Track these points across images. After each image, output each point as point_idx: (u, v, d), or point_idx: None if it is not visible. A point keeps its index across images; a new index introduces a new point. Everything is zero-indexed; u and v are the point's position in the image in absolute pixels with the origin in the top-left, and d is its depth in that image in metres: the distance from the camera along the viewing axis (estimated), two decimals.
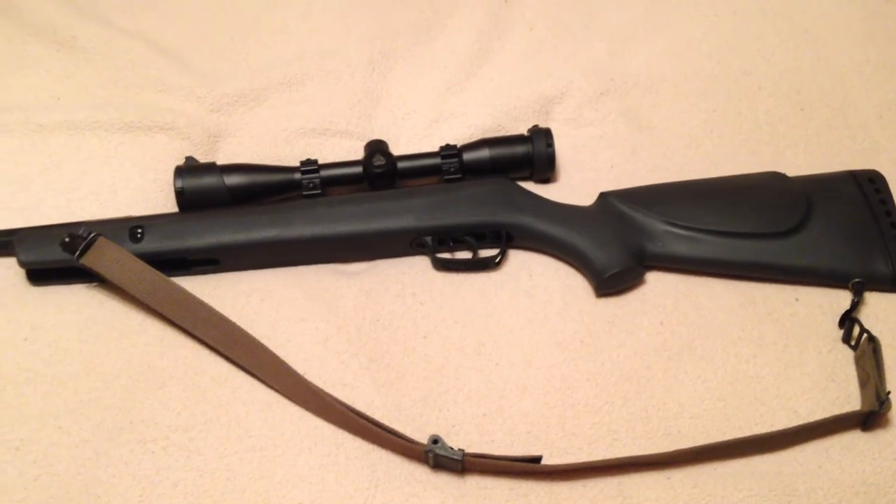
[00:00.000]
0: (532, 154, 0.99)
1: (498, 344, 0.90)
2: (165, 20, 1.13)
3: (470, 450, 0.80)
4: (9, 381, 0.86)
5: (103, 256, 0.86)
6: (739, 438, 0.82)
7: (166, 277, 0.87)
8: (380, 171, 0.96)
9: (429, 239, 0.94)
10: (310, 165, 0.96)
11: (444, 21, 1.15)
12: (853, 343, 0.89)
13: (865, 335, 0.87)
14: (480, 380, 0.87)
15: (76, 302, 0.91)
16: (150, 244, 0.91)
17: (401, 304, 0.93)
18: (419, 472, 0.82)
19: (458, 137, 1.04)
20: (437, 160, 0.98)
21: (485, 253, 0.95)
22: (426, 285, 0.94)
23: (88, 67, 1.07)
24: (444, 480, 0.81)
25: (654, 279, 0.94)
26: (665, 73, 1.11)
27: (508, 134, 1.02)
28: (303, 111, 1.06)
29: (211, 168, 0.95)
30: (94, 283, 0.92)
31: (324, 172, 0.96)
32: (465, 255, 0.96)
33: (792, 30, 1.14)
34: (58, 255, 0.88)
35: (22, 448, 0.82)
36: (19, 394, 0.85)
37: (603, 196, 0.96)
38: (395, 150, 0.99)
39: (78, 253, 0.86)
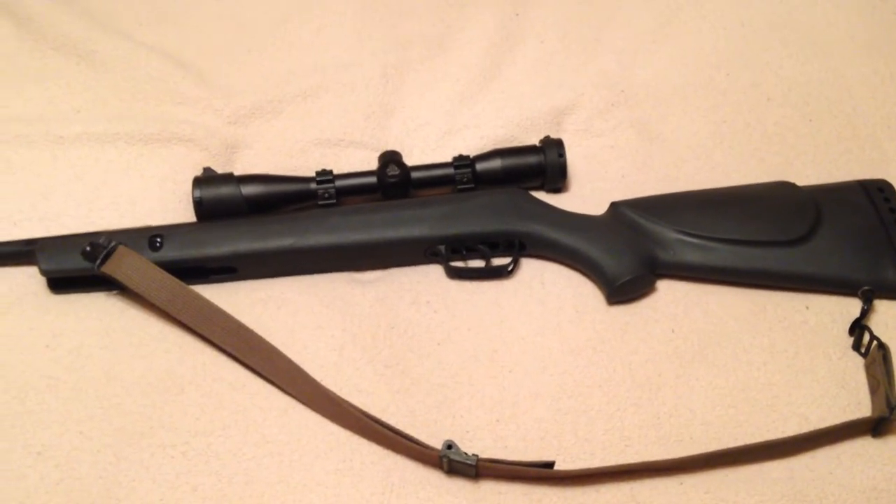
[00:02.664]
0: (544, 164, 1.00)
1: (511, 351, 0.91)
2: (183, 34, 1.15)
3: (484, 455, 0.81)
4: (31, 387, 0.87)
5: (123, 265, 0.88)
6: (751, 444, 0.83)
7: (185, 285, 0.88)
8: (394, 181, 0.98)
9: (442, 248, 0.95)
10: (325, 175, 0.98)
11: (457, 34, 1.16)
12: (863, 350, 0.89)
13: (875, 342, 0.88)
14: (494, 386, 0.88)
15: (96, 310, 0.92)
16: (169, 253, 0.92)
17: (415, 311, 0.94)
18: (434, 478, 0.83)
19: (471, 148, 1.05)
20: (451, 170, 0.99)
21: (498, 261, 0.96)
22: (440, 293, 0.95)
23: (108, 80, 1.09)
24: (459, 485, 0.82)
25: (665, 287, 0.95)
26: (675, 85, 1.13)
27: (520, 144, 1.03)
28: (318, 123, 1.08)
29: (228, 178, 0.97)
30: (114, 291, 0.93)
31: (339, 182, 0.98)
32: (478, 263, 0.97)
33: (800, 41, 1.15)
34: (78, 264, 0.89)
35: (44, 453, 0.83)
36: (41, 400, 0.86)
37: (614, 205, 0.98)
38: (409, 160, 1.00)
39: (98, 261, 0.87)
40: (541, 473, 0.81)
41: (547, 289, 0.95)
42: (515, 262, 0.96)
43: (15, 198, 1.00)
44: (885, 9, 1.18)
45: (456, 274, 0.96)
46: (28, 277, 0.94)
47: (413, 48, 1.15)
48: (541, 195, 1.00)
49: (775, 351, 0.90)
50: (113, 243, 0.88)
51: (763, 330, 0.92)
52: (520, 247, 0.96)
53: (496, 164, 0.99)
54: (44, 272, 0.92)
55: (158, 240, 0.92)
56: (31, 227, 0.97)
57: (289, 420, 0.86)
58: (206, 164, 1.01)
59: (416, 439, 0.83)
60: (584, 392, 0.88)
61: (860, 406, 0.86)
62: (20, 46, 1.12)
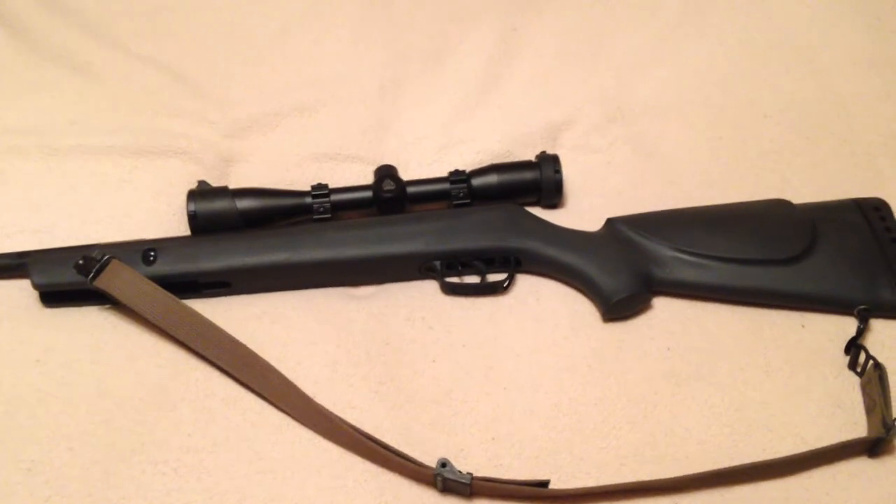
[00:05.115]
0: (540, 180, 1.00)
1: (506, 368, 0.90)
2: (180, 46, 1.15)
3: (478, 473, 0.80)
4: (21, 401, 0.86)
5: (116, 279, 0.87)
6: (747, 464, 0.82)
7: (178, 300, 0.88)
8: (389, 195, 0.97)
9: (438, 263, 0.95)
10: (320, 190, 0.98)
11: (454, 48, 1.16)
12: (859, 370, 0.89)
13: (871, 362, 0.87)
14: (489, 404, 0.88)
15: (89, 324, 0.92)
16: (162, 267, 0.92)
17: (410, 327, 0.93)
18: (427, 496, 0.82)
19: (467, 163, 1.05)
20: (447, 185, 0.99)
21: (493, 277, 0.96)
22: (435, 309, 0.95)
23: (103, 92, 1.09)
24: None
25: (661, 305, 0.95)
26: (672, 101, 1.13)
27: (517, 160, 1.03)
28: (314, 136, 1.08)
29: (223, 192, 0.96)
30: (107, 306, 0.93)
31: (334, 197, 0.97)
32: (473, 279, 0.96)
33: (797, 59, 1.16)
34: (71, 278, 0.89)
35: (34, 469, 0.82)
36: (31, 415, 0.85)
37: (610, 222, 0.97)
38: (405, 175, 1.00)
39: (91, 275, 0.87)
40: (535, 493, 0.81)
41: (542, 305, 0.95)
42: (511, 279, 0.95)
43: (8, 210, 1.00)
44: (882, 28, 1.18)
45: (451, 290, 0.95)
46: (20, 291, 0.94)
47: (411, 62, 1.15)
48: (537, 211, 1.00)
49: (771, 370, 0.90)
50: (106, 257, 0.88)
51: (759, 348, 0.91)
52: (515, 263, 0.96)
53: (492, 179, 0.99)
54: (36, 285, 0.92)
55: (152, 253, 0.92)
56: (24, 239, 0.97)
57: (282, 437, 0.85)
58: (201, 178, 1.00)
59: (410, 457, 0.82)
60: (579, 410, 0.87)
61: (856, 426, 0.86)
62: (16, 57, 1.11)
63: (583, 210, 1.03)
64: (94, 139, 1.04)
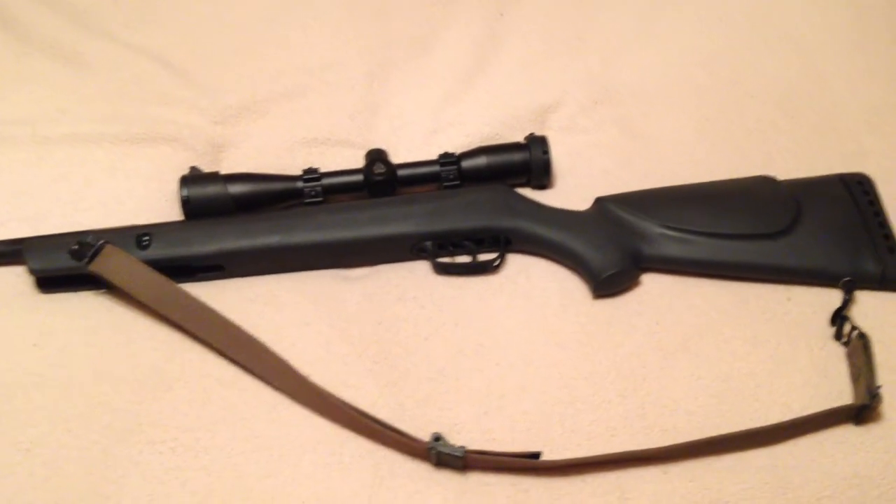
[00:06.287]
0: (529, 161, 1.01)
1: (498, 345, 0.91)
2: (169, 35, 1.15)
3: (471, 447, 0.82)
4: (19, 385, 0.87)
5: (111, 263, 0.88)
6: (734, 433, 0.83)
7: (173, 283, 0.88)
8: (380, 178, 0.98)
9: (429, 244, 0.96)
10: (311, 174, 0.98)
11: (441, 33, 1.17)
12: (844, 340, 0.91)
13: (856, 332, 0.89)
14: (481, 380, 0.89)
15: (84, 308, 0.93)
16: (156, 251, 0.92)
17: (402, 307, 0.94)
18: (422, 470, 0.83)
19: (457, 146, 1.06)
20: (436, 168, 1.00)
21: (484, 257, 0.97)
22: (427, 289, 0.96)
23: (94, 81, 1.09)
24: (446, 477, 0.83)
25: (649, 280, 0.96)
26: (657, 83, 1.14)
27: (505, 142, 1.04)
28: (304, 122, 1.08)
29: (215, 177, 0.97)
30: (102, 290, 0.94)
31: (325, 181, 0.98)
32: (464, 259, 0.98)
33: (780, 39, 1.17)
34: (66, 263, 0.89)
35: (32, 450, 0.83)
36: (29, 398, 0.86)
37: (599, 201, 0.99)
38: (395, 158, 1.01)
39: (86, 260, 0.88)
40: (527, 464, 0.82)
41: (533, 283, 0.96)
42: (501, 258, 0.97)
43: (1, 198, 1.00)
44: (863, 5, 1.19)
45: (442, 270, 0.97)
46: (16, 277, 0.94)
47: (398, 47, 1.16)
48: (526, 192, 1.01)
49: (758, 342, 0.91)
50: (100, 242, 0.89)
51: (746, 321, 0.93)
52: (505, 242, 0.97)
53: (482, 161, 1.00)
54: (32, 271, 0.92)
55: (146, 238, 0.93)
56: (17, 227, 0.97)
57: (277, 415, 0.86)
58: (193, 164, 1.01)
59: (404, 432, 0.83)
60: (569, 384, 0.89)
61: (842, 394, 0.88)
62: (5, 48, 1.12)
63: (571, 190, 1.04)
64: (85, 128, 1.04)
